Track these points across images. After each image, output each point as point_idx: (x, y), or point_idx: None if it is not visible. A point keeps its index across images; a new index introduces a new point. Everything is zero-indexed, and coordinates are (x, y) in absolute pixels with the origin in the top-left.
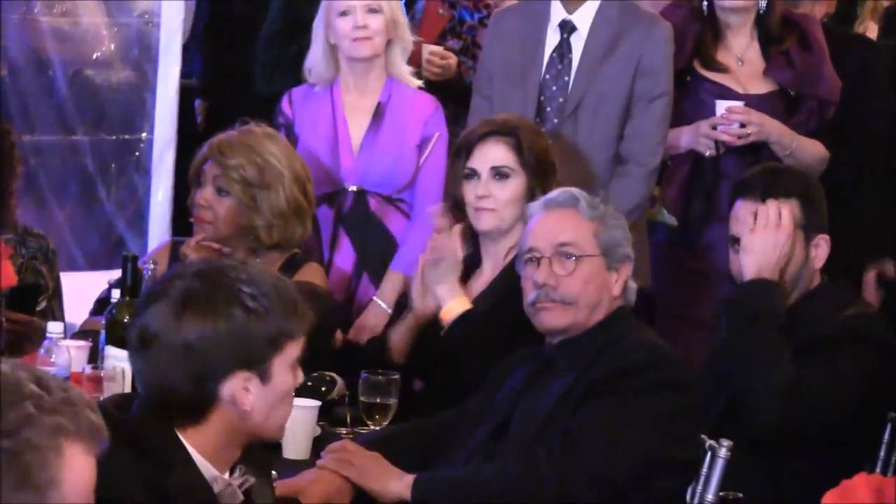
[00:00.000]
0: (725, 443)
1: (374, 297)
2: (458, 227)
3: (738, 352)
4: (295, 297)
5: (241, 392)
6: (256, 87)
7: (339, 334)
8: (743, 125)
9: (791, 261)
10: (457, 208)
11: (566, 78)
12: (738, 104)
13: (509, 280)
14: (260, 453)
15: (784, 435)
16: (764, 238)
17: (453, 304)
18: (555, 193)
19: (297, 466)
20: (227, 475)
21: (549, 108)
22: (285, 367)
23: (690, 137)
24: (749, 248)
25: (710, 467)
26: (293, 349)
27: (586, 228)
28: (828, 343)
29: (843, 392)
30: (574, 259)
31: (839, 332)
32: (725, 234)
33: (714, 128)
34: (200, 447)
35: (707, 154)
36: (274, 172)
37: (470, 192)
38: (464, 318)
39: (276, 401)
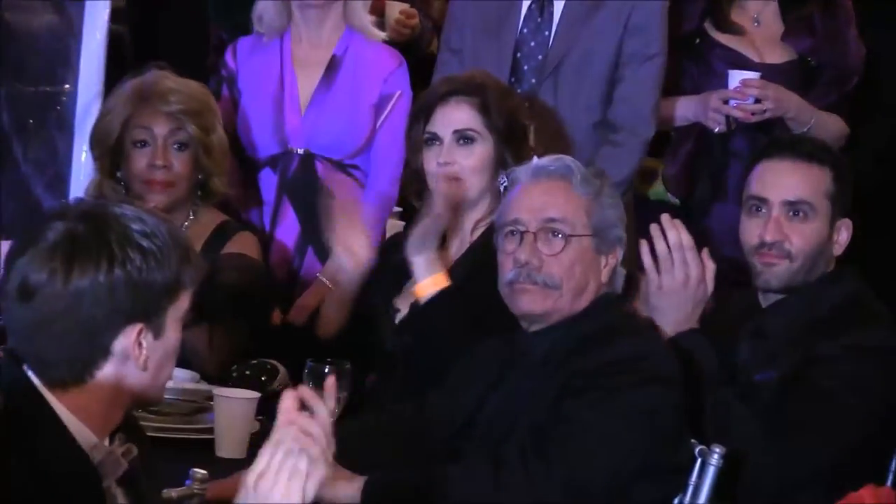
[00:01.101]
0: (717, 449)
1: (319, 274)
2: (444, 188)
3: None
4: (188, 243)
5: (135, 347)
6: (210, 17)
7: (277, 315)
8: (758, 100)
9: (814, 236)
10: (417, 179)
11: (546, 33)
12: (754, 76)
13: (478, 257)
14: (134, 420)
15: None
16: (674, 294)
17: (428, 282)
18: (547, 160)
19: (231, 466)
20: (106, 443)
21: (525, 67)
22: (176, 320)
23: (698, 109)
24: (660, 308)
25: (700, 476)
26: (185, 301)
27: (579, 204)
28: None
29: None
30: (562, 237)
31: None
32: (732, 219)
33: (726, 101)
34: (80, 410)
35: (716, 130)
36: (211, 108)
37: (431, 159)
38: (441, 298)
39: (165, 359)
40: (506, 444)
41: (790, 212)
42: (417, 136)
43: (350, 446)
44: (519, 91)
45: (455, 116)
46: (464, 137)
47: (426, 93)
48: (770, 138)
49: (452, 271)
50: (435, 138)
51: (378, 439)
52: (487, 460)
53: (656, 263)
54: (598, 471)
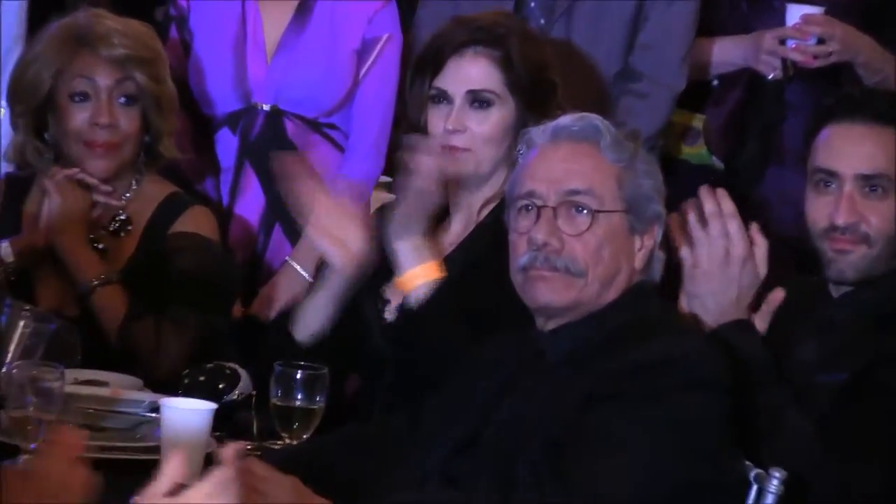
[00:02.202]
0: (777, 473)
1: (289, 258)
2: (434, 158)
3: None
4: None
5: None
6: None
7: (238, 307)
8: (822, 40)
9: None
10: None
11: None
12: (817, 11)
13: (486, 240)
14: None
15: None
16: (713, 275)
17: (417, 272)
18: (568, 119)
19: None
20: None
21: (533, 3)
22: None
23: (749, 52)
24: (696, 293)
25: None
26: None
27: (608, 174)
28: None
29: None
30: (588, 214)
31: None
32: (790, 186)
33: (783, 42)
34: None
35: (770, 77)
36: (160, 53)
37: (437, 120)
38: (433, 293)
39: None
40: (517, 463)
41: (866, 187)
42: (422, 90)
43: (328, 465)
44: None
45: (471, 73)
46: (479, 100)
47: (435, 38)
48: (837, 95)
49: (455, 256)
50: (443, 96)
51: (362, 457)
52: (495, 483)
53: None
54: (626, 494)
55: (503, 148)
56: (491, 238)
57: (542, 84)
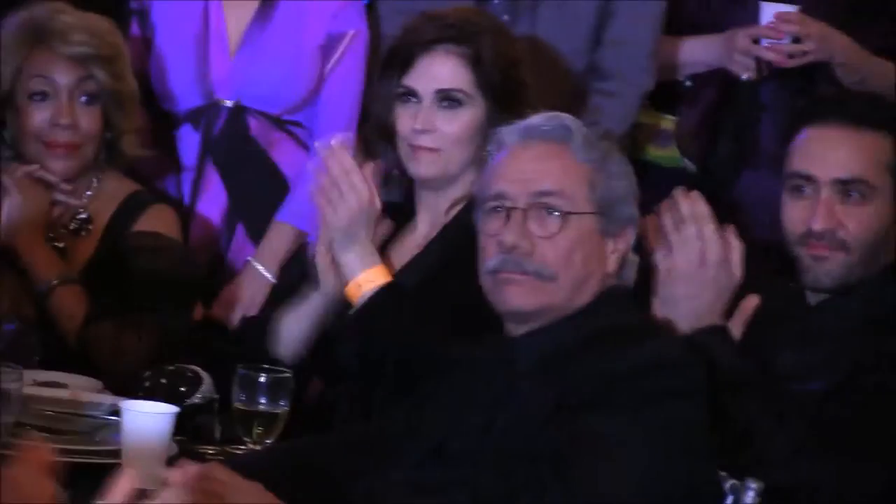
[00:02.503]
0: (753, 484)
1: (251, 259)
2: (371, 166)
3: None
4: None
5: None
6: None
7: (199, 309)
8: (797, 39)
9: (874, 221)
10: (384, 136)
11: None
12: (792, 9)
13: (453, 241)
14: None
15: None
16: (688, 279)
17: (366, 277)
18: (539, 119)
19: (143, 498)
20: None
21: (496, 0)
22: None
23: (721, 51)
24: (671, 297)
25: None
26: None
27: (579, 174)
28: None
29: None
30: (559, 216)
31: None
32: (765, 190)
33: (756, 41)
34: None
35: (744, 77)
36: (121, 49)
37: (405, 120)
38: (382, 293)
39: None
40: (488, 472)
41: (843, 192)
42: (389, 87)
43: (291, 473)
44: None
45: (441, 71)
46: (448, 99)
47: (404, 34)
48: (813, 97)
49: (422, 256)
50: (412, 95)
51: (326, 465)
52: (465, 495)
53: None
54: (624, 497)
55: (472, 148)
56: (459, 239)
57: (513, 83)
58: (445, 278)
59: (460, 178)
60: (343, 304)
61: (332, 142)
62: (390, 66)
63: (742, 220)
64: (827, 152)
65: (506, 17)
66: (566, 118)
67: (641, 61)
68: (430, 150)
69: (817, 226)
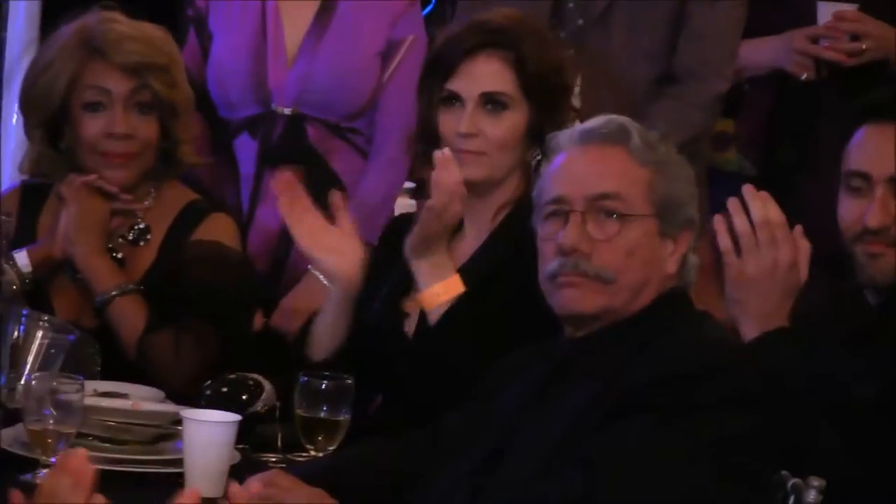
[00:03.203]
0: (815, 482)
1: (311, 268)
2: (449, 153)
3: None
4: None
5: None
6: None
7: (259, 317)
8: (856, 37)
9: None
10: (428, 140)
11: None
12: (851, 8)
13: (502, 247)
14: None
15: None
16: (759, 282)
17: (438, 289)
18: (596, 122)
19: None
20: None
21: (571, 4)
22: None
23: (780, 53)
24: (741, 300)
25: None
26: None
27: (638, 176)
28: None
29: None
30: (617, 218)
31: None
32: (826, 195)
33: (815, 41)
34: None
35: (803, 78)
36: (176, 58)
37: (449, 124)
38: (455, 311)
39: None
40: (543, 480)
41: None
42: (433, 92)
43: (354, 480)
44: (562, 35)
45: (484, 75)
46: (492, 102)
47: (448, 40)
48: (870, 95)
49: (470, 266)
50: (456, 99)
51: (386, 472)
52: (522, 500)
53: (736, 245)
54: None
55: (517, 152)
56: (507, 245)
57: (556, 86)
58: (497, 284)
59: (505, 182)
60: (393, 316)
61: (447, 153)
62: (434, 71)
63: (802, 224)
64: (882, 150)
65: (580, 22)
66: (624, 120)
67: (715, 64)
68: (476, 153)
69: (873, 223)
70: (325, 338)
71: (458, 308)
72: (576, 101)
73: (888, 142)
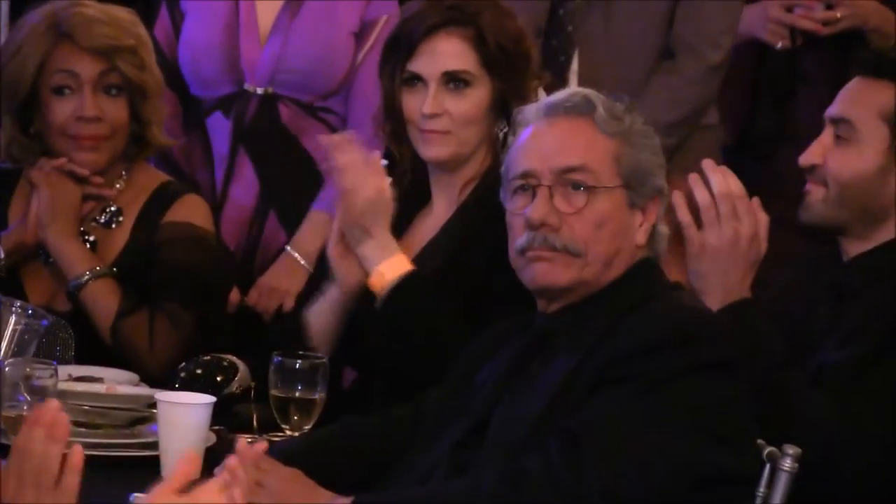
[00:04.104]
0: (790, 450)
1: (288, 247)
2: (376, 156)
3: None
4: None
5: None
6: None
7: (234, 296)
8: (830, 5)
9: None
10: (395, 120)
11: None
12: None
13: (469, 222)
14: None
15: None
16: (720, 255)
17: (386, 267)
18: (562, 95)
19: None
20: None
21: None
22: None
23: (755, 21)
24: (703, 273)
25: (771, 484)
26: None
27: (605, 148)
28: None
29: None
30: (585, 190)
31: None
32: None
33: (789, 10)
34: None
35: (778, 46)
36: (143, 39)
37: (413, 105)
38: (404, 284)
39: None
40: (525, 451)
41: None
42: (396, 73)
43: (330, 458)
44: (561, 12)
45: (444, 54)
46: (455, 80)
47: (407, 20)
48: (864, 53)
49: (441, 238)
50: (418, 79)
51: (364, 450)
52: (502, 473)
53: (697, 220)
54: (642, 482)
55: (482, 127)
56: (475, 218)
57: (517, 58)
58: (467, 258)
59: (472, 157)
60: (364, 294)
61: (336, 137)
62: (395, 52)
63: (781, 191)
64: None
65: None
66: (588, 92)
67: (715, 35)
68: (441, 132)
69: (802, 160)
70: (323, 330)
71: (403, 282)
72: (572, 79)
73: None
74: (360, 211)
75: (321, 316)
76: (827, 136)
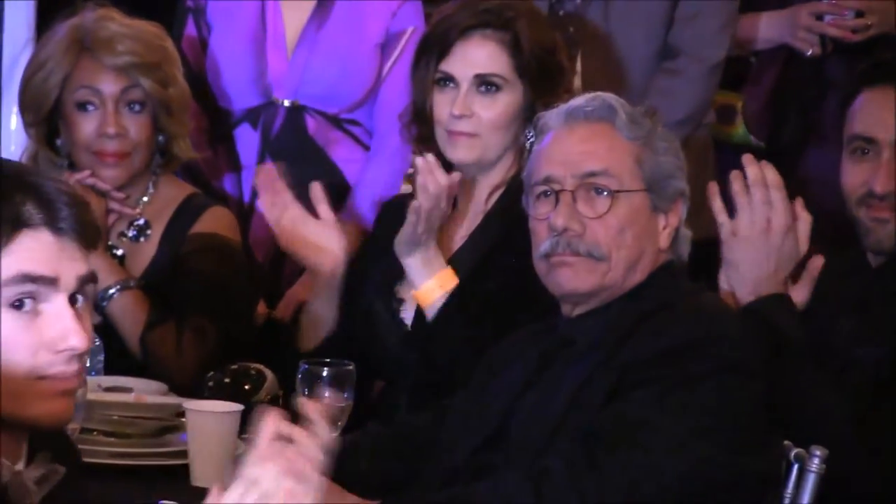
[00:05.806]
0: (818, 451)
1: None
2: (432, 160)
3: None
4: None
5: None
6: None
7: (262, 308)
8: (860, 13)
9: None
10: (422, 122)
11: None
12: None
13: (496, 229)
14: (65, 440)
15: None
16: (752, 243)
17: (431, 284)
18: (582, 100)
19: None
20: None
21: None
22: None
23: (785, 28)
24: (734, 262)
25: (798, 485)
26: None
27: (626, 152)
28: None
29: None
30: (608, 195)
31: None
32: (832, 166)
33: (819, 17)
34: None
35: (808, 53)
36: (169, 55)
37: (443, 105)
38: (450, 306)
39: None
40: (548, 453)
41: None
42: (427, 72)
43: (357, 463)
44: (561, 13)
45: (478, 56)
46: (486, 83)
47: (442, 20)
48: (872, 61)
49: (468, 246)
50: (450, 80)
51: (390, 454)
52: (525, 474)
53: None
54: (663, 482)
55: (510, 133)
56: (503, 225)
57: (551, 68)
58: (494, 266)
59: (498, 163)
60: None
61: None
62: (427, 52)
63: (809, 196)
64: (885, 113)
65: (578, 0)
66: (609, 97)
67: (712, 35)
68: (468, 135)
69: (879, 188)
70: (314, 327)
71: (452, 301)
72: (578, 82)
73: (890, 104)
74: (424, 229)
75: (311, 310)
76: (891, 158)
